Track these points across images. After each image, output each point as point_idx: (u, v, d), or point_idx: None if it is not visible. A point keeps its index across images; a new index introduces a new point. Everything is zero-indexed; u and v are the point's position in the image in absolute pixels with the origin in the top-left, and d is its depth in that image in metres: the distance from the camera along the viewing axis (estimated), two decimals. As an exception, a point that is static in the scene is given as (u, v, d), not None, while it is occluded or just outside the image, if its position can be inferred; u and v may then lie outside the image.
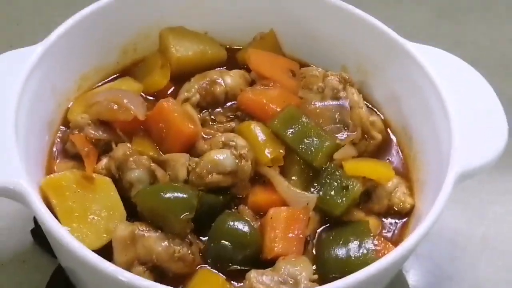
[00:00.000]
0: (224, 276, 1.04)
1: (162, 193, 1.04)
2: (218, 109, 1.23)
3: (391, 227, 1.14)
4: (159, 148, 1.14)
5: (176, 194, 1.04)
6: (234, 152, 1.10)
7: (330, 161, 1.14)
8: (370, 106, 1.28)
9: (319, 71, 1.23)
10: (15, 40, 1.52)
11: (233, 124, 1.19)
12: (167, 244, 1.02)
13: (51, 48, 1.15)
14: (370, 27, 1.26)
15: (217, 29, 1.34)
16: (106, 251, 1.01)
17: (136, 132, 1.15)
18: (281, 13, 1.32)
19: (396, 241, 1.11)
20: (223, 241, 1.04)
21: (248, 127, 1.15)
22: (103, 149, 1.13)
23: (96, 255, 0.95)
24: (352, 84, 1.22)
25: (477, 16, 1.71)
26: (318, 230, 1.11)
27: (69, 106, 1.21)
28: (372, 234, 1.08)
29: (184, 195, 1.04)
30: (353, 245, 1.06)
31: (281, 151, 1.13)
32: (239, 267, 1.04)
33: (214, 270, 1.05)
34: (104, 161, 1.11)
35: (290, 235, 1.05)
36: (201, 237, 1.08)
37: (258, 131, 1.15)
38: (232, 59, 1.33)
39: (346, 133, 1.17)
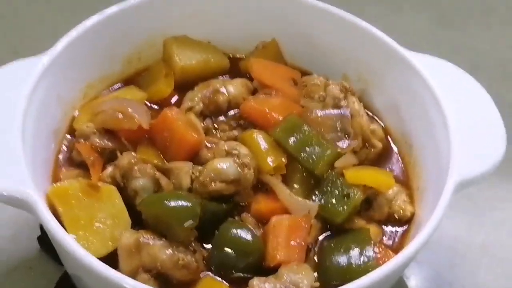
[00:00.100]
0: (228, 283, 1.05)
1: (166, 201, 1.05)
2: (221, 118, 1.24)
3: (392, 235, 1.15)
4: (163, 156, 1.15)
5: (180, 202, 1.05)
6: (237, 160, 1.11)
7: (332, 169, 1.15)
8: (370, 114, 1.29)
9: (321, 80, 1.24)
10: (21, 47, 1.55)
11: (236, 132, 1.21)
12: (171, 251, 1.03)
13: (56, 58, 1.16)
14: (370, 36, 1.27)
15: (220, 38, 1.35)
16: (111, 259, 1.02)
17: (140, 141, 1.16)
18: (283, 22, 1.34)
19: (396, 248, 1.12)
20: (226, 249, 1.05)
21: (250, 136, 1.16)
22: (108, 157, 1.14)
23: (101, 262, 0.96)
24: (353, 93, 1.24)
25: (477, 23, 1.72)
26: (320, 238, 1.12)
27: (75, 114, 1.22)
28: (373, 242, 1.08)
29: (188, 203, 1.05)
30: (354, 252, 1.07)
31: (283, 159, 1.14)
32: (242, 274, 1.05)
33: (217, 278, 1.06)
34: (109, 169, 1.12)
35: (292, 243, 1.06)
36: (204, 245, 1.09)
37: (261, 140, 1.16)
38: (235, 68, 1.34)
39: (347, 141, 1.18)
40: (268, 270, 1.05)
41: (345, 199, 1.11)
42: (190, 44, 1.31)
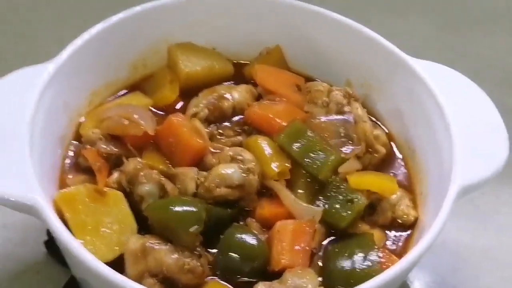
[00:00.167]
0: (233, 288, 1.07)
1: (171, 207, 1.06)
2: (226, 124, 1.24)
3: (395, 239, 1.15)
4: (169, 162, 1.16)
5: (185, 208, 1.05)
6: (242, 166, 1.12)
7: (335, 174, 1.15)
8: (374, 119, 1.30)
9: (324, 86, 1.25)
10: (29, 54, 1.56)
11: (240, 138, 1.21)
12: (177, 256, 1.04)
13: (62, 66, 1.17)
14: (374, 43, 1.28)
15: (224, 45, 1.36)
16: (118, 264, 1.03)
17: (146, 147, 1.17)
18: (287, 29, 1.35)
19: (400, 253, 1.12)
20: (231, 254, 1.06)
21: (255, 142, 1.17)
22: (114, 163, 1.15)
23: (108, 267, 0.97)
24: (357, 99, 1.25)
25: (480, 29, 1.73)
26: (324, 243, 1.12)
27: (81, 120, 1.23)
28: (376, 247, 1.09)
29: (193, 209, 1.05)
30: (358, 257, 1.07)
31: (287, 164, 1.14)
32: (247, 278, 1.06)
33: (222, 282, 1.07)
34: (116, 175, 1.13)
35: (297, 247, 1.07)
36: (210, 250, 1.09)
37: (265, 145, 1.16)
38: (239, 74, 1.35)
39: (350, 147, 1.18)
40: (272, 275, 1.06)
41: (349, 204, 1.12)
42: (195, 51, 1.32)
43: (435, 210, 1.08)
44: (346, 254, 1.08)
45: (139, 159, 1.14)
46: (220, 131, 1.23)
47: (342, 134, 1.20)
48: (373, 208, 1.17)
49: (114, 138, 1.18)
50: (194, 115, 1.23)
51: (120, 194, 1.10)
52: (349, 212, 1.12)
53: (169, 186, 1.12)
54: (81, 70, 1.22)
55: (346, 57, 1.33)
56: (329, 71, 1.35)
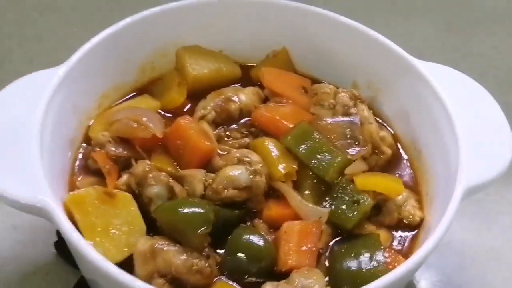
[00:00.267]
0: (241, 288, 1.07)
1: (180, 209, 1.07)
2: (233, 126, 1.26)
3: (401, 240, 1.16)
4: (177, 164, 1.17)
5: (193, 209, 1.06)
6: (249, 168, 1.13)
7: (342, 175, 1.16)
8: (380, 121, 1.31)
9: (330, 88, 1.26)
10: (36, 57, 1.57)
11: (247, 140, 1.22)
12: (186, 257, 1.05)
13: (72, 70, 1.18)
14: (379, 45, 1.29)
15: (231, 47, 1.37)
16: (127, 265, 1.04)
17: (154, 149, 1.18)
18: (293, 31, 1.36)
19: (406, 253, 1.13)
20: (239, 254, 1.07)
21: (262, 143, 1.18)
22: (123, 165, 1.16)
23: (117, 268, 0.98)
24: (363, 101, 1.25)
25: (485, 30, 1.73)
26: (331, 243, 1.13)
27: (90, 123, 1.25)
28: (382, 247, 1.10)
29: (201, 210, 1.06)
30: (365, 257, 1.08)
31: (294, 166, 1.15)
32: (254, 279, 1.07)
33: (230, 282, 1.08)
34: (125, 177, 1.14)
35: (304, 248, 1.08)
36: (217, 250, 1.11)
37: (272, 147, 1.17)
38: (246, 76, 1.36)
39: (356, 148, 1.19)
40: (280, 275, 1.07)
41: (355, 205, 1.13)
42: (202, 54, 1.33)
43: (441, 210, 1.08)
44: (353, 255, 1.09)
45: (147, 161, 1.15)
46: (228, 133, 1.24)
47: (348, 136, 1.20)
48: (379, 208, 1.17)
49: (123, 140, 1.19)
50: (202, 117, 1.24)
51: (129, 196, 1.11)
52: (356, 213, 1.12)
53: (177, 188, 1.13)
54: (90, 74, 1.23)
55: (352, 59, 1.34)
56: (335, 73, 1.35)
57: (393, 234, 1.17)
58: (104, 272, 0.98)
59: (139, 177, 1.12)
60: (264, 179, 1.14)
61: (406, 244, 1.16)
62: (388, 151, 1.24)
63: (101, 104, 1.28)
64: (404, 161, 1.27)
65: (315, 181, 1.16)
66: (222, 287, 1.07)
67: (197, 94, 1.29)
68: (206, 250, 1.08)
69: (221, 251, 1.11)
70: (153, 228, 1.09)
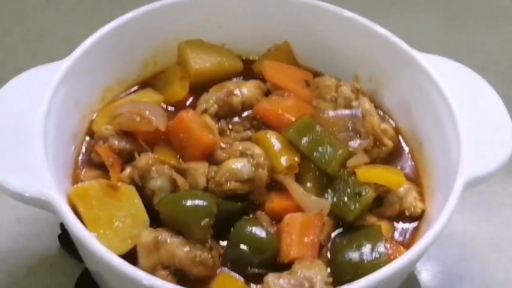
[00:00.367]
0: (243, 279, 1.08)
1: (183, 201, 1.08)
2: (235, 119, 1.26)
3: (403, 231, 1.17)
4: (180, 157, 1.18)
5: (196, 202, 1.07)
6: (251, 160, 1.14)
7: (344, 168, 1.17)
8: (381, 113, 1.31)
9: (332, 81, 1.27)
10: (38, 52, 1.58)
11: (249, 133, 1.23)
12: (189, 249, 1.06)
13: (75, 64, 1.19)
14: (381, 38, 1.29)
15: (233, 41, 1.38)
16: (130, 256, 1.05)
17: (157, 142, 1.19)
18: (295, 25, 1.36)
19: (407, 244, 1.14)
20: (241, 246, 1.08)
21: (264, 136, 1.19)
22: (127, 158, 1.17)
23: (121, 259, 0.99)
24: (364, 94, 1.26)
25: (487, 23, 1.73)
26: (332, 235, 1.14)
27: (94, 117, 1.25)
28: (384, 238, 1.11)
29: (204, 203, 1.07)
30: (366, 248, 1.09)
31: (296, 159, 1.16)
32: (257, 270, 1.08)
33: (233, 273, 1.09)
34: (128, 170, 1.14)
35: (306, 239, 1.09)
36: (220, 242, 1.12)
37: (274, 140, 1.18)
38: (248, 70, 1.36)
39: (358, 140, 1.20)
40: (282, 266, 1.08)
41: (357, 197, 1.13)
42: (204, 47, 1.34)
43: (442, 202, 1.09)
44: (354, 246, 1.10)
45: (150, 155, 1.16)
46: (230, 126, 1.25)
47: (350, 128, 1.21)
48: (381, 200, 1.18)
49: (126, 134, 1.20)
50: (204, 110, 1.25)
51: (132, 188, 1.12)
52: (357, 205, 1.13)
53: (180, 180, 1.14)
54: (94, 68, 1.24)
55: (354, 52, 1.34)
56: (337, 66, 1.36)
57: (394, 225, 1.18)
58: (108, 264, 0.98)
59: (142, 170, 1.13)
60: (266, 171, 1.14)
61: (407, 236, 1.17)
62: (390, 144, 1.24)
63: (104, 98, 1.28)
64: (406, 153, 1.28)
65: (317, 173, 1.16)
66: (225, 278, 1.08)
67: (199, 88, 1.30)
68: (209, 242, 1.08)
69: (223, 243, 1.12)
70: (156, 220, 1.10)
